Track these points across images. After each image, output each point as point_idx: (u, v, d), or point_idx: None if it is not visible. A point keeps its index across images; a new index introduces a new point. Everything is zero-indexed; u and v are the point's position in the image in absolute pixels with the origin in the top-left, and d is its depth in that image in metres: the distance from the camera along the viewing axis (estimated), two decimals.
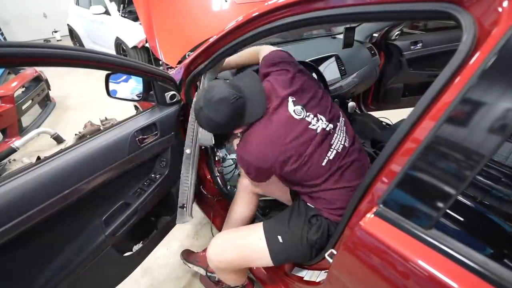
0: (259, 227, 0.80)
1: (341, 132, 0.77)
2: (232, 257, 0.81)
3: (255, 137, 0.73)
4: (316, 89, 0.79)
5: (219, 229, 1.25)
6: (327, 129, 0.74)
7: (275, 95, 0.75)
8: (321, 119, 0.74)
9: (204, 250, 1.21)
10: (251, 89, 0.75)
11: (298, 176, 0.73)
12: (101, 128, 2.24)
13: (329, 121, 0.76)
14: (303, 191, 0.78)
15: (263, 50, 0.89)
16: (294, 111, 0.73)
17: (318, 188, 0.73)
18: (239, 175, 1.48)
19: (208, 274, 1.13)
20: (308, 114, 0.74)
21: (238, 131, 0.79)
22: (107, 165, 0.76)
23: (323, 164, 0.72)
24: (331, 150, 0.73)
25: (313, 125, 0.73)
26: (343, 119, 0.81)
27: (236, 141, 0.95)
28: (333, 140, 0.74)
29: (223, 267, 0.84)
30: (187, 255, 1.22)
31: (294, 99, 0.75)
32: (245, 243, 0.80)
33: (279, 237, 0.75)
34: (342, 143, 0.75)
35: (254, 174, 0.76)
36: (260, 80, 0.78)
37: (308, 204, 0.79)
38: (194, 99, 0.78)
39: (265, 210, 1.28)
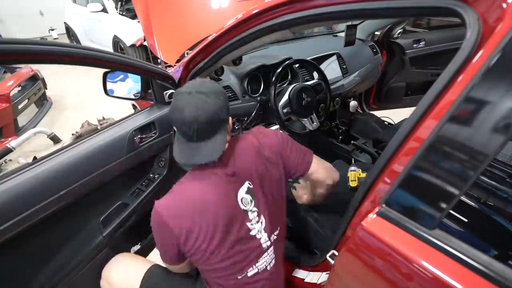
0: (144, 268, 0.75)
1: (272, 252, 0.66)
2: (118, 281, 0.76)
3: (190, 186, 0.60)
4: (281, 191, 0.68)
5: None
6: (263, 244, 0.63)
7: (238, 160, 0.63)
8: (263, 228, 0.64)
9: None
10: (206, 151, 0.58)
11: (204, 261, 0.60)
12: (99, 128, 2.22)
13: (270, 234, 0.65)
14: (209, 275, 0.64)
15: None
16: (242, 199, 0.61)
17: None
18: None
19: None
20: (254, 211, 0.62)
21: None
22: (105, 165, 0.75)
23: (238, 276, 0.61)
24: (253, 267, 0.62)
25: (252, 226, 0.62)
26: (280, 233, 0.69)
27: None
28: (261, 258, 0.63)
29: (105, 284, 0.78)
30: None
31: (252, 186, 0.63)
32: (135, 276, 0.74)
33: None
34: (267, 264, 0.65)
35: (157, 236, 0.61)
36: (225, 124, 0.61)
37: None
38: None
39: None
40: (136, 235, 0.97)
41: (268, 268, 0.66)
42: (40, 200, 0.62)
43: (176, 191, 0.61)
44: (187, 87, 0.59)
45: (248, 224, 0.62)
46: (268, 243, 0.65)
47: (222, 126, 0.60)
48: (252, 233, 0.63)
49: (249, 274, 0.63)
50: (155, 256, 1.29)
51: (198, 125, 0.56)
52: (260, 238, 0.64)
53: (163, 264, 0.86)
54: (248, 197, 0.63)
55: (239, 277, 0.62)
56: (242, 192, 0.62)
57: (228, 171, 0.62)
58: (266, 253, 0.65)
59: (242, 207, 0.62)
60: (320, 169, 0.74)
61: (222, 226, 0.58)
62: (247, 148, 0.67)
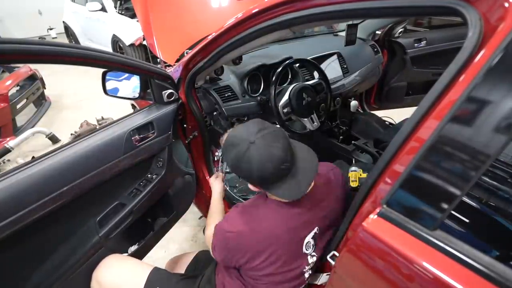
0: (147, 270, 0.77)
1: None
2: (109, 283, 0.76)
3: (267, 215, 0.61)
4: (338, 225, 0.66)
5: None
6: (306, 278, 0.66)
7: (315, 204, 0.63)
8: (312, 267, 0.66)
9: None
10: (305, 166, 0.60)
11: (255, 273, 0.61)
12: (97, 127, 2.21)
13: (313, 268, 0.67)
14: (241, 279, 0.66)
15: None
16: (307, 243, 0.62)
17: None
18: (239, 176, 1.47)
19: None
20: (313, 255, 0.64)
21: (255, 189, 0.65)
22: (102, 165, 0.75)
23: None
24: None
25: (306, 270, 0.65)
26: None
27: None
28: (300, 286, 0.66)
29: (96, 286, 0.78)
30: None
31: (318, 231, 0.64)
32: (128, 278, 0.77)
33: None
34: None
35: (223, 247, 0.63)
36: (317, 168, 0.61)
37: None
38: (240, 127, 0.61)
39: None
40: (134, 235, 0.97)
41: None
42: (36, 199, 0.61)
43: (252, 218, 0.62)
44: (249, 135, 0.56)
45: (305, 267, 0.64)
46: (309, 274, 0.67)
47: None
48: (305, 275, 0.66)
49: None
50: (153, 257, 1.29)
51: (291, 154, 0.56)
52: (308, 276, 0.67)
53: (161, 267, 0.85)
54: (312, 242, 0.64)
55: None
56: (309, 237, 0.63)
57: (307, 205, 0.62)
58: (304, 283, 0.68)
59: (305, 250, 0.63)
60: None
61: (281, 262, 0.60)
62: (324, 182, 0.68)
